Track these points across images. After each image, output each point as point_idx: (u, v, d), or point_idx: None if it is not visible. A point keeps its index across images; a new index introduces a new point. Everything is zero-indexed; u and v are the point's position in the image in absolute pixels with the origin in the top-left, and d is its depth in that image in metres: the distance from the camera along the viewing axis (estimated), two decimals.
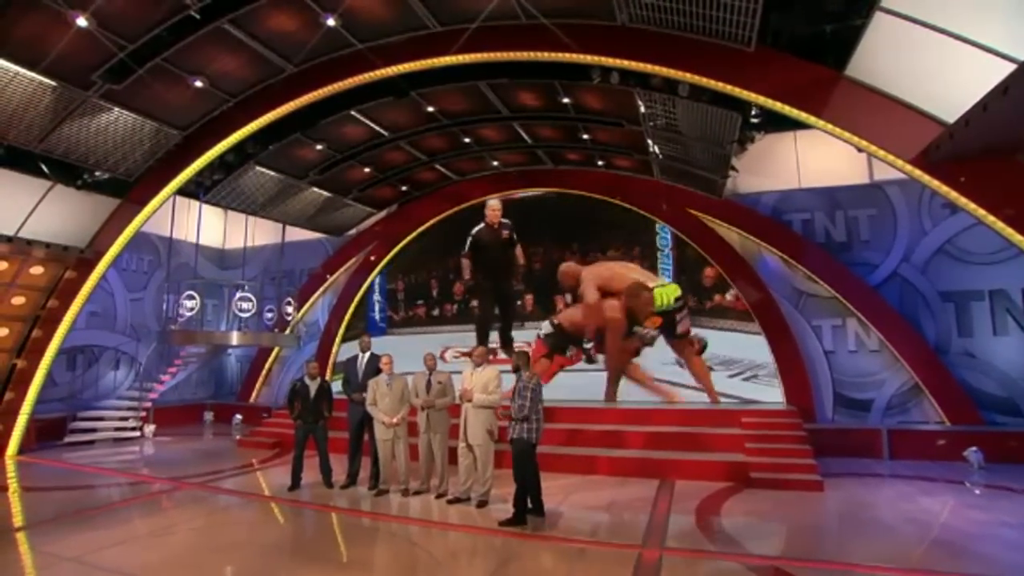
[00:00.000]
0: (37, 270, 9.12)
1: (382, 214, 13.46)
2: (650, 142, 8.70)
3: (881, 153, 5.40)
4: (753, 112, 7.41)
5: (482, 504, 6.07)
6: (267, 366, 13.79)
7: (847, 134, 5.52)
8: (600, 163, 10.90)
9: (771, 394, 9.69)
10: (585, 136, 9.81)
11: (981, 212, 4.96)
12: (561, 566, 4.71)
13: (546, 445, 7.59)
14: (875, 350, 9.29)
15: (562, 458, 7.90)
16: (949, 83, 4.82)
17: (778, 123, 8.77)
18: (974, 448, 7.89)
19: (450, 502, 6.25)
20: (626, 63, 6.27)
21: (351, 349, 9.15)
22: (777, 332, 9.67)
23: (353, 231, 13.70)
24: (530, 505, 5.62)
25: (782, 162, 10.33)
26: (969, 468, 7.74)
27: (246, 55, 7.34)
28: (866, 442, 8.72)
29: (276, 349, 13.47)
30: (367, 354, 7.27)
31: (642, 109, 7.55)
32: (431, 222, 12.84)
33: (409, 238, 13.04)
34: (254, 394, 13.70)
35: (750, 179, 10.26)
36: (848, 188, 9.87)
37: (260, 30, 6.95)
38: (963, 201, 5.02)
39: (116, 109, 7.65)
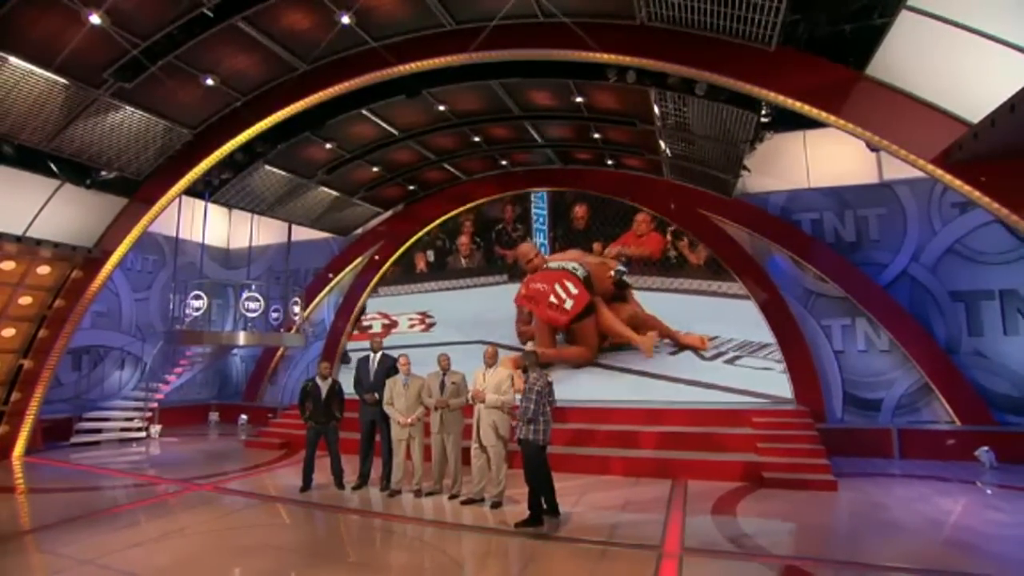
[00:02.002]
0: (44, 270, 9.05)
1: (388, 214, 13.41)
2: (662, 143, 8.68)
3: (902, 153, 5.38)
4: (764, 111, 7.39)
5: (496, 505, 6.06)
6: (272, 366, 13.74)
7: (868, 134, 5.51)
8: (610, 162, 10.86)
9: (773, 381, 9.62)
10: (596, 135, 9.77)
11: (1004, 212, 4.95)
12: (583, 567, 4.68)
13: (559, 445, 7.62)
14: (885, 350, 9.29)
15: (575, 458, 7.90)
16: (973, 82, 4.80)
17: (787, 123, 8.77)
18: (986, 448, 7.90)
19: (463, 503, 6.23)
20: (644, 62, 6.24)
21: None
22: (787, 332, 9.65)
23: (359, 230, 13.65)
24: (545, 506, 5.61)
25: (791, 162, 10.31)
26: (981, 468, 7.75)
27: (259, 53, 7.28)
28: (876, 442, 8.73)
29: (281, 349, 13.43)
30: (379, 354, 7.23)
31: (656, 110, 7.53)
32: (437, 222, 12.82)
33: (415, 238, 13.01)
34: (259, 394, 13.65)
35: (759, 179, 10.24)
36: (857, 188, 9.86)
37: (274, 28, 6.89)
38: (985, 200, 5.01)
39: (127, 108, 7.59)
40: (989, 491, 6.81)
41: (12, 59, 6.33)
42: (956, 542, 5.14)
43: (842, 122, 5.59)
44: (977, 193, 5.00)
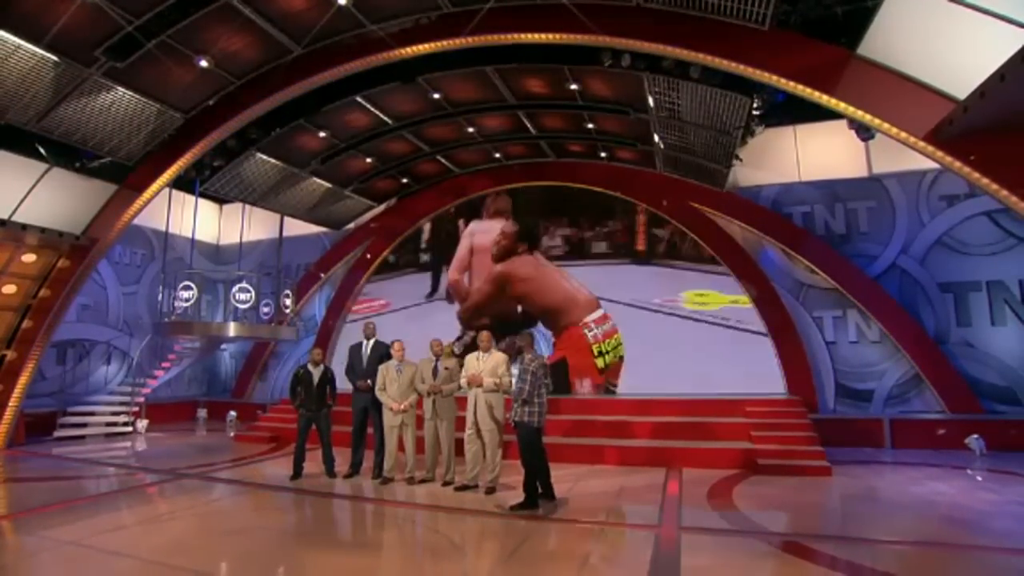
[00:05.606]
0: (29, 258, 8.87)
1: (381, 208, 13.33)
2: (655, 134, 8.73)
3: (894, 131, 5.44)
4: (755, 104, 7.47)
5: (491, 491, 5.97)
6: (261, 362, 13.55)
7: (860, 113, 5.57)
8: (603, 155, 10.90)
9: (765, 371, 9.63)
10: (590, 125, 9.80)
11: (994, 187, 5.01)
12: (581, 546, 4.63)
13: (553, 435, 7.55)
14: (876, 341, 9.36)
15: (569, 448, 7.83)
16: (962, 59, 4.86)
17: (779, 117, 8.89)
18: (975, 436, 7.96)
19: (457, 489, 6.14)
20: (639, 44, 6.25)
21: None
22: (779, 324, 9.70)
23: (351, 225, 13.56)
24: (540, 490, 5.54)
25: (782, 156, 10.41)
26: (971, 455, 7.80)
27: (253, 34, 7.21)
28: (868, 431, 8.78)
29: (270, 345, 13.25)
30: (371, 341, 7.14)
31: (650, 100, 7.57)
32: (429, 217, 12.76)
33: (407, 233, 12.94)
34: (248, 391, 13.44)
35: (750, 172, 10.34)
36: (847, 181, 9.97)
37: (269, 8, 6.83)
38: (975, 176, 5.07)
39: (118, 88, 7.47)
40: (980, 477, 6.85)
41: (0, 33, 6.20)
42: (957, 519, 5.15)
43: (834, 102, 5.65)
44: (967, 169, 5.06)
